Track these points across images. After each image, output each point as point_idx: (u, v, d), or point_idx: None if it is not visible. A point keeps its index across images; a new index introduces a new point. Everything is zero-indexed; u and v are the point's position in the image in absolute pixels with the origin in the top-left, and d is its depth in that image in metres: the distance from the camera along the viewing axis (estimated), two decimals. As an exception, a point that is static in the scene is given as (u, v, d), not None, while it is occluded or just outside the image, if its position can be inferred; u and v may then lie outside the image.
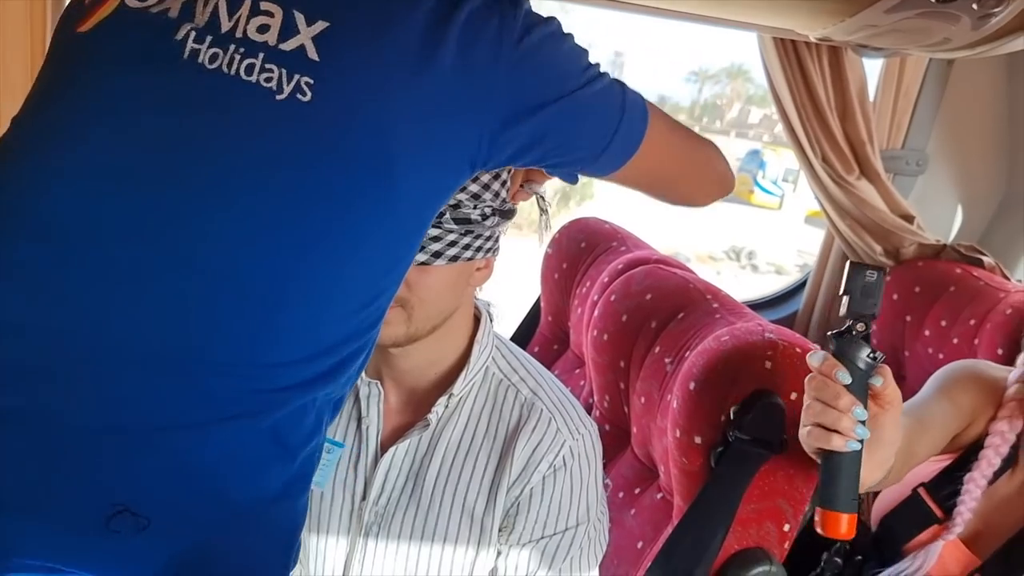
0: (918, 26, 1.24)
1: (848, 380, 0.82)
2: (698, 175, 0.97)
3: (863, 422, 0.83)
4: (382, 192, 0.73)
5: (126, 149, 0.70)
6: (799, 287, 2.09)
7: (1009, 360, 1.40)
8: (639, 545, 1.10)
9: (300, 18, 0.71)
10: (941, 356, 1.59)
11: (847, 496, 0.83)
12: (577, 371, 1.47)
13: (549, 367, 1.48)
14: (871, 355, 0.83)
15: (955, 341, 1.57)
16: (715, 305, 1.16)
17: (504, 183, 0.93)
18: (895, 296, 1.79)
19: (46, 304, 0.68)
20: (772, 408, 0.96)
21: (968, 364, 1.19)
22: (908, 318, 1.75)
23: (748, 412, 0.97)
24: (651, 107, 0.87)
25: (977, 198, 1.91)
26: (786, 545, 1.03)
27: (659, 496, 1.14)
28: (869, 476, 0.87)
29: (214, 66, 0.70)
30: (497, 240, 0.97)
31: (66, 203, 0.69)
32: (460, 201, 0.88)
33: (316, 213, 0.71)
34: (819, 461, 0.86)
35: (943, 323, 1.62)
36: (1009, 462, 1.12)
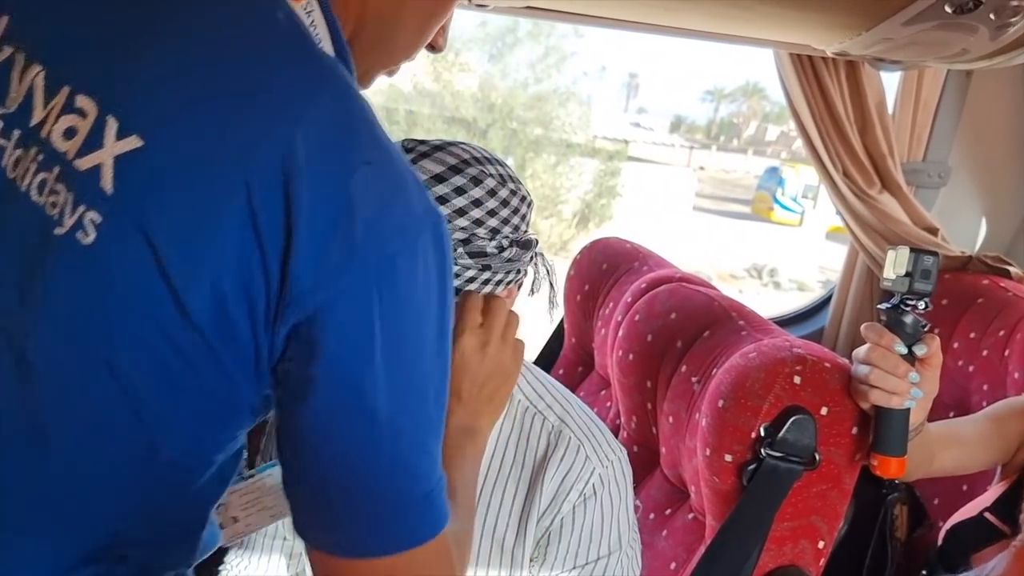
0: (936, 38, 1.24)
1: (904, 350, 0.94)
2: None
3: (915, 383, 0.94)
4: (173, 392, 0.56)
5: None
6: (824, 303, 2.06)
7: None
8: (672, 567, 1.09)
9: (112, 127, 0.54)
10: (971, 368, 1.57)
11: (899, 443, 0.95)
12: (603, 393, 1.46)
13: (574, 389, 1.48)
14: (922, 325, 0.94)
15: (985, 353, 1.54)
16: (741, 322, 1.16)
17: (524, 217, 0.92)
18: (922, 309, 1.77)
19: None
20: (803, 424, 0.96)
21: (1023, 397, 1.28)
22: (937, 331, 1.72)
23: (779, 428, 0.96)
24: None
25: (1002, 208, 1.88)
26: (821, 562, 1.02)
27: (691, 517, 1.13)
28: (913, 419, 0.97)
29: (13, 175, 0.56)
30: (520, 273, 0.94)
31: None
32: (474, 235, 0.87)
33: (94, 390, 0.55)
34: (872, 415, 0.97)
35: (972, 335, 1.59)
36: None
